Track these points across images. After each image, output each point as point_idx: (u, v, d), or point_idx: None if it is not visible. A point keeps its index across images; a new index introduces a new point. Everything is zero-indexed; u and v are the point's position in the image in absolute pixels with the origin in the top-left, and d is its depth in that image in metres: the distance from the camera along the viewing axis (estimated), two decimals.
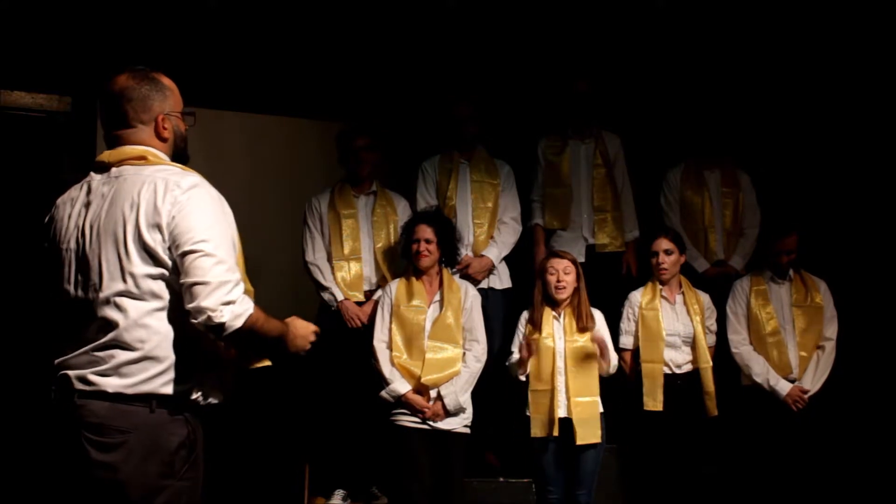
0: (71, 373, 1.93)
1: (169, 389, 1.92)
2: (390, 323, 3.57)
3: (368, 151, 3.92)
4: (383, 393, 3.49)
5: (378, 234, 3.93)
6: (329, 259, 3.90)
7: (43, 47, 4.21)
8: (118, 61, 2.14)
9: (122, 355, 1.90)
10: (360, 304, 3.85)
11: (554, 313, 3.58)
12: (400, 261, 3.87)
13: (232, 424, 3.72)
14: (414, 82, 4.79)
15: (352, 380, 3.73)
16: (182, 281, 1.89)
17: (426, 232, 3.60)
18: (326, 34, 4.66)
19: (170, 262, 1.92)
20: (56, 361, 1.95)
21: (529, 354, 3.49)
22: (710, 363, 3.72)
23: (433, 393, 3.49)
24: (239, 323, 1.88)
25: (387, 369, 3.51)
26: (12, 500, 3.52)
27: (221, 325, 1.85)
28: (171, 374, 1.93)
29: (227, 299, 1.87)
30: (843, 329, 3.85)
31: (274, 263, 4.70)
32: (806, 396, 3.74)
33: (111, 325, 1.91)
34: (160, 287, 1.93)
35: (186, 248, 1.89)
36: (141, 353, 1.91)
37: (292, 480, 3.91)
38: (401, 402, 3.48)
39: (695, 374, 3.74)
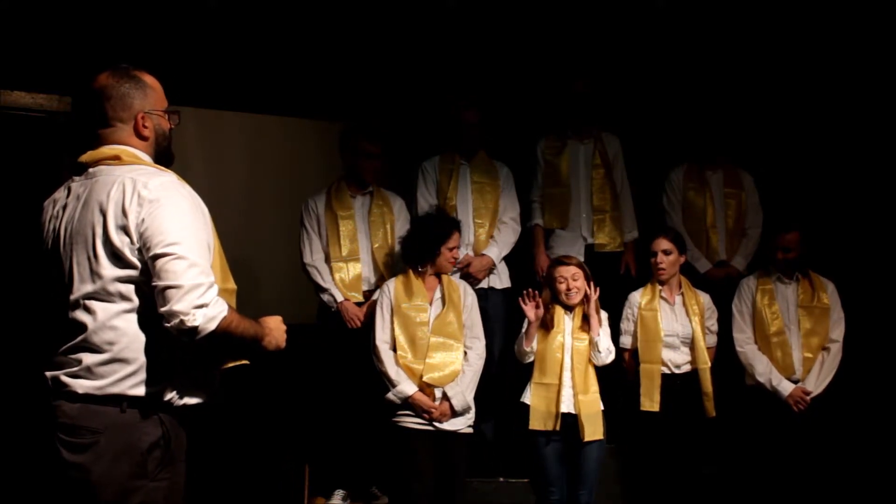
0: (48, 374, 1.94)
1: (139, 391, 1.91)
2: (391, 323, 3.54)
3: (377, 159, 3.92)
4: (390, 395, 3.46)
5: (375, 234, 3.93)
6: (327, 260, 3.90)
7: (43, 47, 4.21)
8: (118, 61, 2.14)
9: (91, 357, 1.90)
10: (359, 304, 3.85)
11: (566, 311, 3.59)
12: (398, 260, 3.86)
13: (232, 425, 3.73)
14: (413, 82, 4.79)
15: (352, 380, 3.73)
16: (154, 284, 1.87)
17: (458, 240, 3.62)
18: (326, 34, 4.66)
19: (138, 264, 1.90)
20: (41, 363, 1.96)
21: (537, 317, 3.50)
22: (709, 364, 3.72)
23: (438, 393, 3.48)
24: (212, 326, 1.86)
25: (392, 370, 3.48)
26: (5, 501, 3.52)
27: (195, 329, 1.84)
28: (141, 376, 1.92)
29: (200, 302, 1.85)
30: (847, 330, 3.83)
31: (273, 263, 4.70)
32: (808, 398, 3.73)
33: (81, 327, 1.91)
34: (129, 289, 1.91)
35: (157, 250, 1.86)
36: (110, 355, 1.90)
37: (292, 480, 3.91)
38: (406, 403, 3.45)
39: (694, 375, 3.74)
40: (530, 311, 3.52)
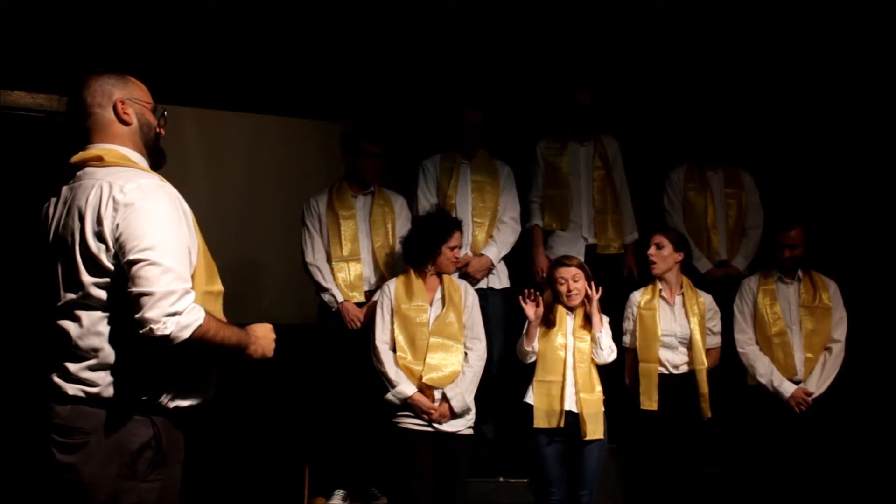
0: (42, 377, 1.94)
1: (128, 394, 1.90)
2: (391, 323, 3.53)
3: (377, 158, 3.92)
4: (389, 395, 3.45)
5: (376, 233, 3.92)
6: (328, 260, 3.90)
7: (43, 47, 4.21)
8: (118, 61, 2.14)
9: (78, 363, 1.90)
10: (360, 304, 3.85)
11: (567, 311, 3.60)
12: (399, 260, 3.86)
13: (232, 425, 3.73)
14: (413, 82, 4.79)
15: (352, 380, 3.73)
16: (129, 290, 1.83)
17: (459, 239, 3.61)
18: (326, 34, 4.66)
19: (115, 269, 1.87)
20: (36, 365, 1.96)
21: (536, 316, 3.50)
22: (706, 365, 3.71)
23: (437, 394, 3.47)
24: (186, 334, 1.82)
25: (392, 371, 3.47)
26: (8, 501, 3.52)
27: (167, 337, 1.80)
28: (130, 380, 1.90)
29: (173, 310, 1.81)
30: (850, 330, 3.81)
31: (273, 263, 4.71)
32: (810, 399, 3.72)
33: (67, 334, 1.90)
34: (110, 295, 1.89)
35: (132, 256, 1.83)
36: (96, 361, 1.89)
37: (292, 480, 3.91)
38: (406, 403, 3.44)
39: (692, 376, 3.73)
40: (530, 310, 3.52)
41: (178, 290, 1.83)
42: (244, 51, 4.56)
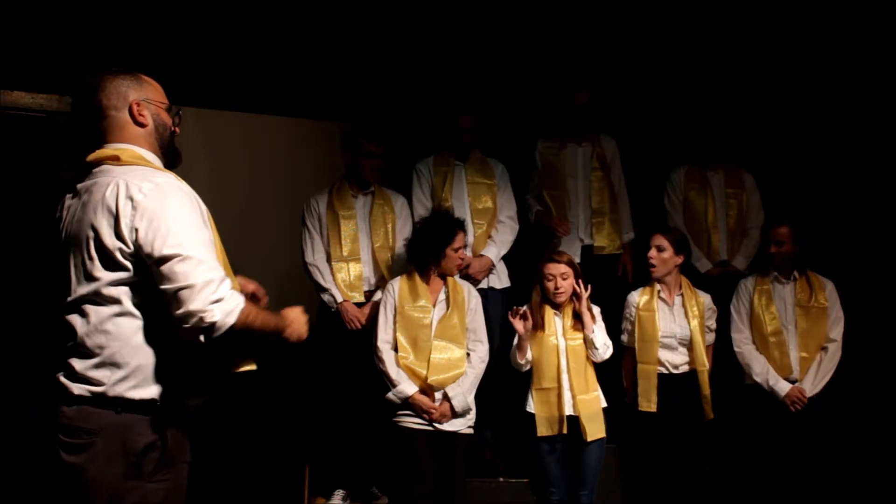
0: (49, 376, 1.94)
1: (133, 394, 1.90)
2: (394, 323, 3.53)
3: (378, 158, 3.91)
4: (390, 395, 3.46)
5: (376, 233, 3.92)
6: (328, 260, 3.90)
7: (43, 47, 4.21)
8: (118, 61, 2.13)
9: (84, 361, 1.90)
10: (359, 304, 3.85)
11: (555, 311, 3.59)
12: (398, 260, 3.86)
13: (232, 425, 3.73)
14: (413, 82, 4.79)
15: (352, 380, 3.73)
16: (163, 288, 1.83)
17: (463, 240, 3.61)
18: (326, 34, 4.66)
19: (131, 267, 1.88)
20: (43, 364, 1.97)
21: (526, 330, 3.49)
22: (707, 366, 3.71)
23: (438, 394, 3.47)
24: (232, 320, 1.84)
25: (393, 371, 3.47)
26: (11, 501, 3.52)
27: (213, 325, 1.81)
28: (135, 379, 1.90)
29: (215, 297, 1.82)
30: (848, 330, 3.81)
31: (273, 263, 4.70)
32: (805, 398, 3.72)
33: (74, 331, 1.91)
34: (121, 291, 1.89)
35: (160, 254, 1.83)
36: (101, 359, 1.89)
37: (292, 481, 3.91)
38: (406, 403, 3.45)
39: (692, 375, 3.73)
40: (519, 325, 3.51)
41: (216, 278, 1.85)
42: (244, 51, 4.56)
